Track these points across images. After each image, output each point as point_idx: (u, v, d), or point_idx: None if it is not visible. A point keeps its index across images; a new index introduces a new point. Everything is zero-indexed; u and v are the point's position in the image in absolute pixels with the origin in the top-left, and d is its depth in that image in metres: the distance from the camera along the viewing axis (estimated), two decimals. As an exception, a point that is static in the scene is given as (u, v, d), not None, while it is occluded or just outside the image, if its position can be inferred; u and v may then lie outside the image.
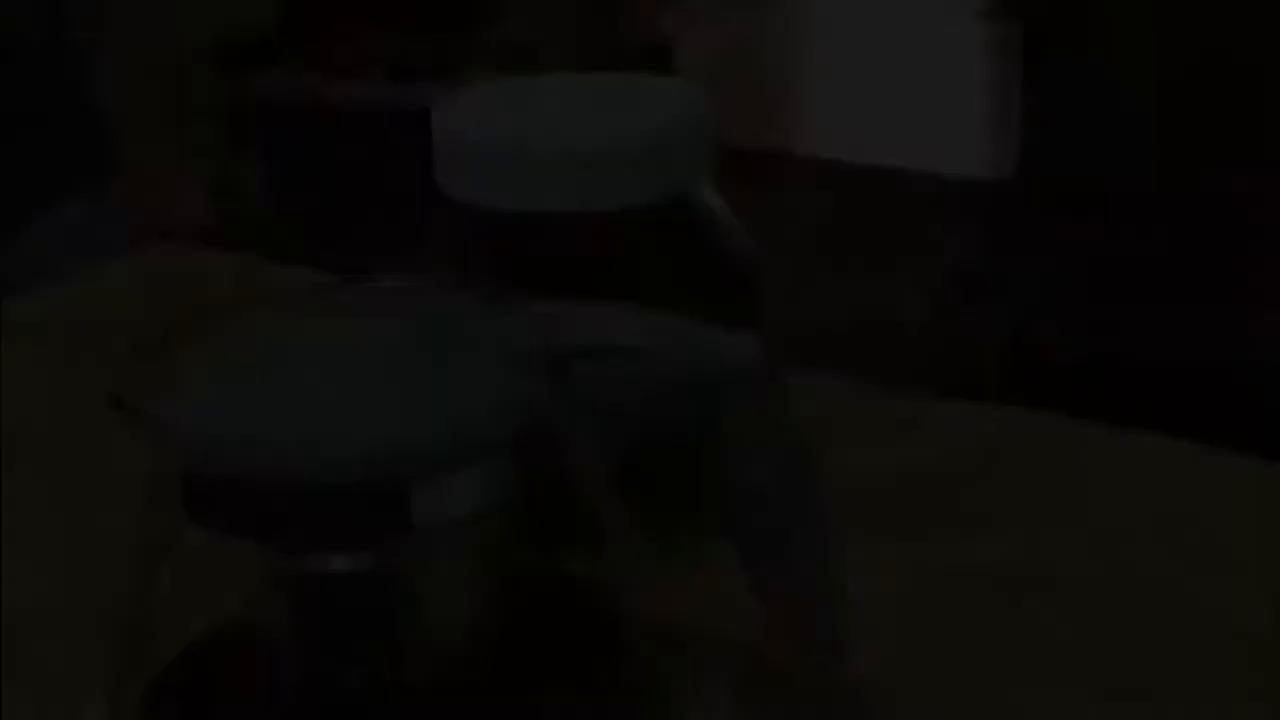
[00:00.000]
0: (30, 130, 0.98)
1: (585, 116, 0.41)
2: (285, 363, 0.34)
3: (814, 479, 0.37)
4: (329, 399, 0.32)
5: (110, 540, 0.51)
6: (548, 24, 2.80)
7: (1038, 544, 0.52)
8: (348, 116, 3.01)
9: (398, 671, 0.35)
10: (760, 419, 0.36)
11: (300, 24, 3.03)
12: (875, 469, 0.56)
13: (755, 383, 0.36)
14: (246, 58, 3.02)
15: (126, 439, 0.32)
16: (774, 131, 3.32)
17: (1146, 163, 1.05)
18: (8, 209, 0.96)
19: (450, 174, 0.40)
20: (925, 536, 0.52)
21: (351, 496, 0.31)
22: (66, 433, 0.64)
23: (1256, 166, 1.19)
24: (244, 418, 0.31)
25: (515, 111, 0.42)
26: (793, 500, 0.37)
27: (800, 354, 0.61)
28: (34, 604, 0.50)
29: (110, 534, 0.52)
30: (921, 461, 0.57)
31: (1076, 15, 1.08)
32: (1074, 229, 0.88)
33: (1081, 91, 1.07)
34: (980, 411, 0.60)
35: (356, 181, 2.96)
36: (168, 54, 2.51)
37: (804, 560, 0.38)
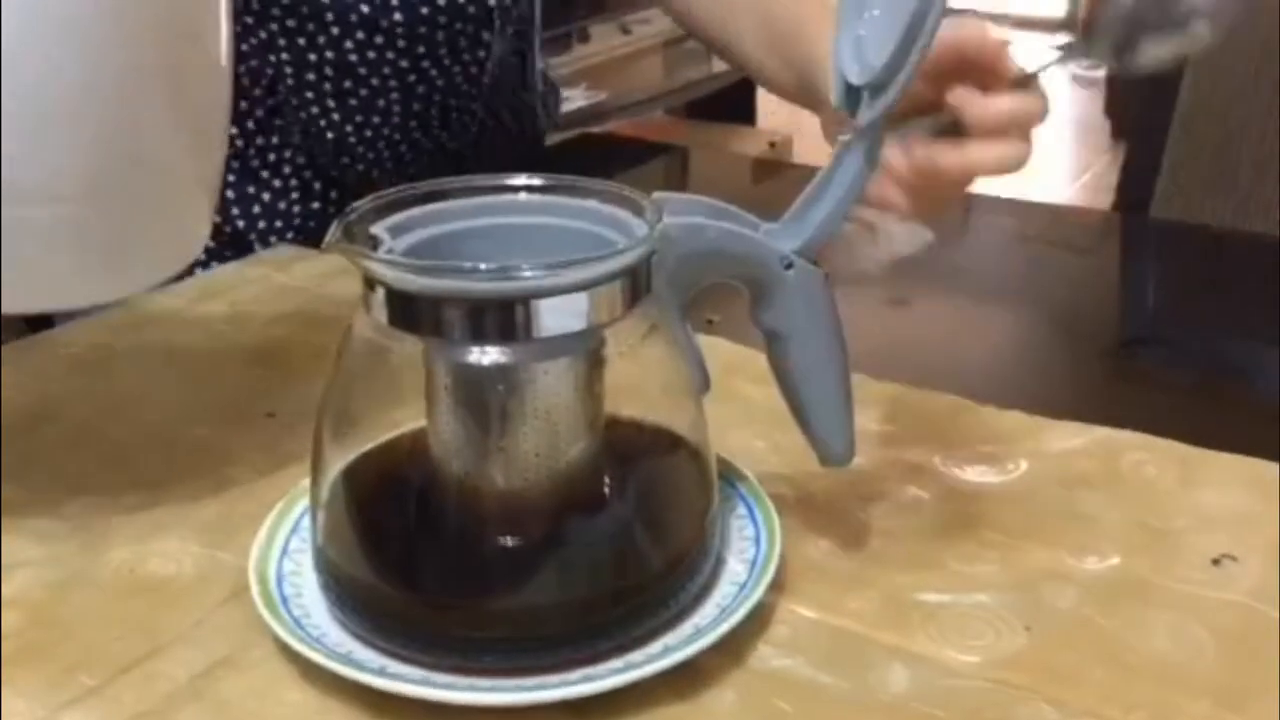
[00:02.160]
0: None
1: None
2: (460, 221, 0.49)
3: (834, 323, 0.51)
4: (486, 242, 0.47)
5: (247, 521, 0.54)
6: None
7: (1138, 557, 0.53)
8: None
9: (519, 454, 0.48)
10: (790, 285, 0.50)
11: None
12: (988, 478, 0.59)
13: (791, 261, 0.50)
14: None
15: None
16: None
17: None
18: None
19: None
20: (1032, 542, 0.54)
21: (496, 305, 0.45)
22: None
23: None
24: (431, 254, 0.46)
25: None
26: (811, 339, 0.51)
27: (920, 372, 0.68)
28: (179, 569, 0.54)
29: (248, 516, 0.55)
30: (1032, 474, 0.60)
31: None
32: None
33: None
34: (1090, 429, 0.63)
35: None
36: None
37: (819, 372, 0.52)
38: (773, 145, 3.24)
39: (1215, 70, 1.17)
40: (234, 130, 0.91)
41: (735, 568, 0.51)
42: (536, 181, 0.51)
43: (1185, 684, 0.47)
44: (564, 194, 0.51)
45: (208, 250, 0.93)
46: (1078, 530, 0.56)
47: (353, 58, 0.88)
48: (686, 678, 0.46)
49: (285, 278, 0.84)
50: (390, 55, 0.89)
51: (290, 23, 0.87)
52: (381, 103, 0.91)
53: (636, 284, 0.47)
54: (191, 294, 0.82)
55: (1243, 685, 0.47)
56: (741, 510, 0.54)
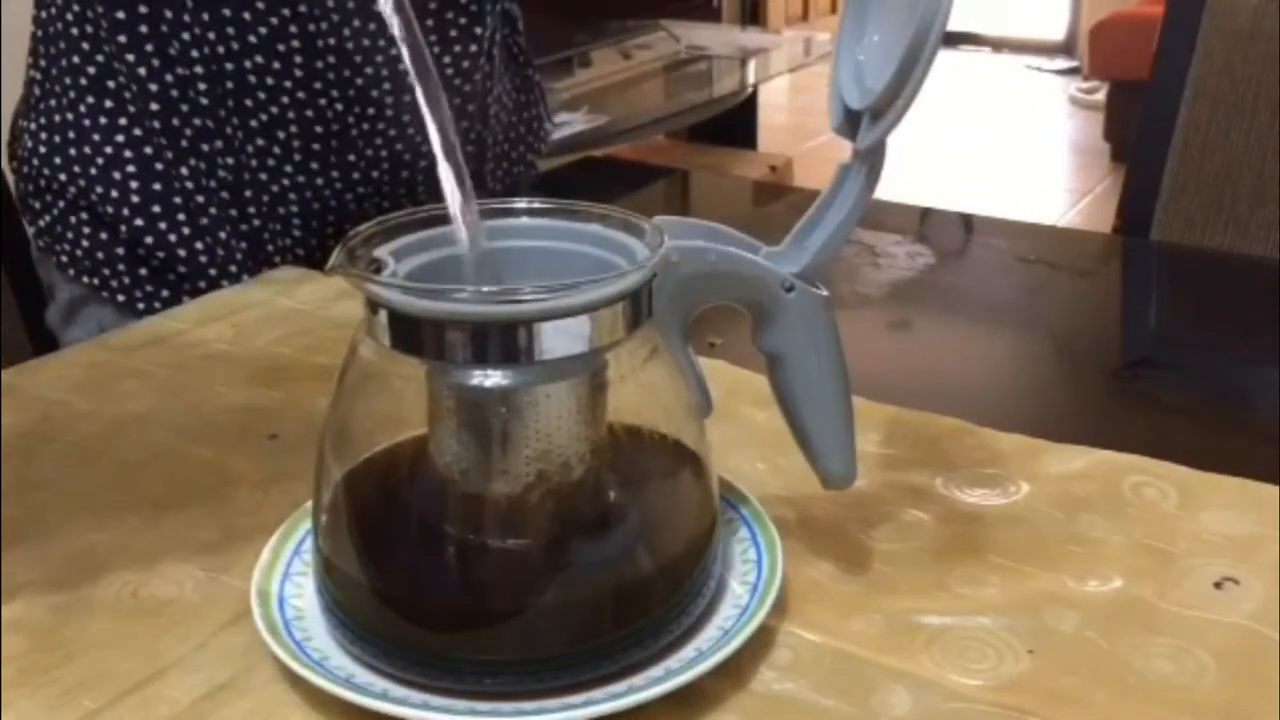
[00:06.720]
0: None
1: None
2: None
3: (836, 346, 0.51)
4: (489, 265, 0.47)
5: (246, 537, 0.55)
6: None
7: (1140, 580, 0.53)
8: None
9: (520, 473, 0.48)
10: (792, 306, 0.50)
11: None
12: (989, 501, 0.59)
13: (792, 281, 0.50)
14: None
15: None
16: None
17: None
18: None
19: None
20: (1034, 565, 0.54)
21: (498, 328, 0.45)
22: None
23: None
24: (434, 277, 0.46)
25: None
26: (813, 362, 0.52)
27: (921, 394, 0.68)
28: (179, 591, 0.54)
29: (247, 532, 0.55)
30: (1033, 497, 0.60)
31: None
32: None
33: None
34: (1091, 452, 0.63)
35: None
36: None
37: (820, 395, 0.52)
38: (773, 169, 3.26)
39: (1215, 93, 1.17)
40: (237, 140, 0.92)
41: (737, 590, 0.51)
42: (538, 205, 0.52)
43: (1187, 707, 0.47)
44: (566, 218, 0.51)
45: (219, 268, 0.93)
46: (1079, 553, 0.56)
47: (349, 45, 0.90)
48: (688, 701, 0.46)
49: (288, 300, 0.84)
50: (382, 42, 0.90)
51: (302, 8, 0.88)
52: (375, 93, 0.92)
53: (638, 307, 0.47)
54: (194, 315, 0.82)
55: (1245, 708, 0.47)
56: (744, 533, 0.54)
